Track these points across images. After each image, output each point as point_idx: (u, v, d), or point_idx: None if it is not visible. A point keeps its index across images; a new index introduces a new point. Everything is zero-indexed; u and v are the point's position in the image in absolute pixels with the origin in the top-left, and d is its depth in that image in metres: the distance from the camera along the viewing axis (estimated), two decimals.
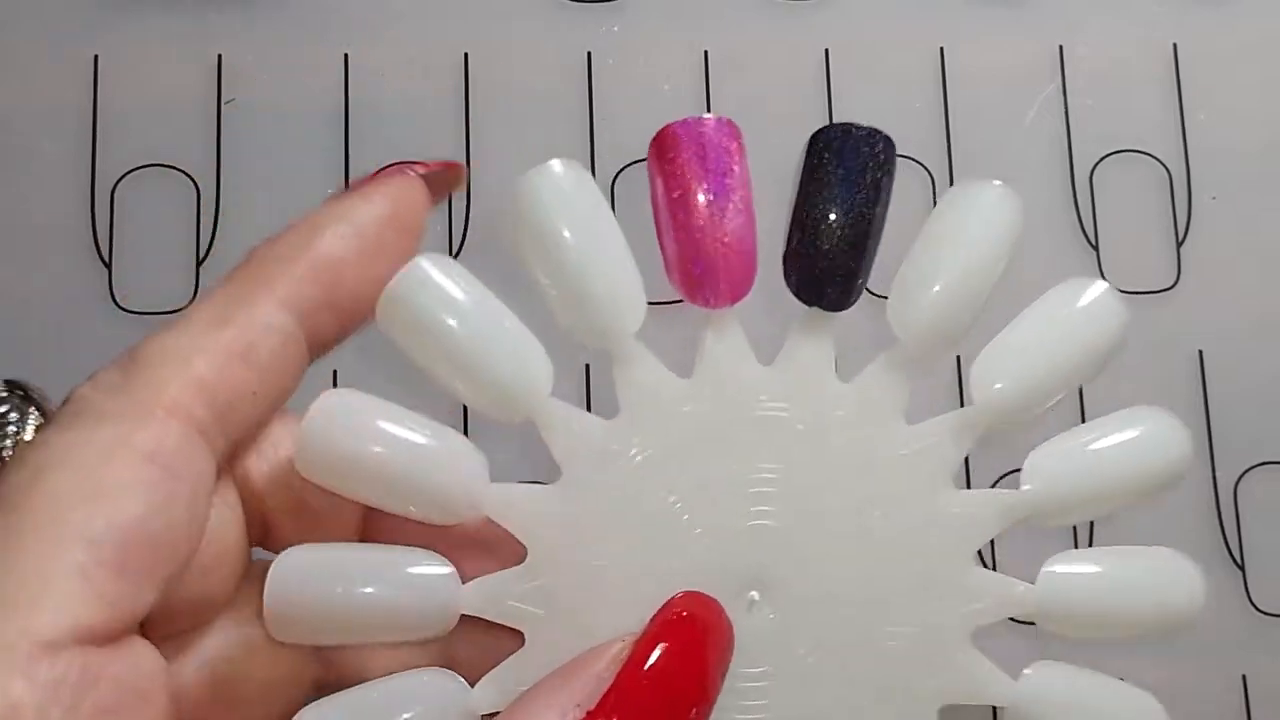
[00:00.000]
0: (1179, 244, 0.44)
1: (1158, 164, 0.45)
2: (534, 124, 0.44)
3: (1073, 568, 0.29)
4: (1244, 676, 0.42)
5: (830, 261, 0.29)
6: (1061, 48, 0.45)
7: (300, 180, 0.44)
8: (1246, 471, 0.43)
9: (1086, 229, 0.44)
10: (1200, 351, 0.44)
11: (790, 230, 0.29)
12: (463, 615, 0.28)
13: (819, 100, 0.45)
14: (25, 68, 0.44)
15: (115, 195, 0.43)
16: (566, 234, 0.28)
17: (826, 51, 0.45)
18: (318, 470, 0.28)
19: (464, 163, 0.42)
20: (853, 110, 0.45)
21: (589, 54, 0.45)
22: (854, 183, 0.29)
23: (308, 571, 0.27)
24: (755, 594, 0.28)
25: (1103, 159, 0.45)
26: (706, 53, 0.45)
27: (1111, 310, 0.30)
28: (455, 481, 0.28)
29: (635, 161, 0.44)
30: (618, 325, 0.28)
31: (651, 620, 0.27)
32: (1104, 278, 0.44)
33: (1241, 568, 0.42)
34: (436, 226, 0.43)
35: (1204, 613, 0.29)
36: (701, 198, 0.29)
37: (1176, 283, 0.44)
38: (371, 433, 0.28)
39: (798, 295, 0.29)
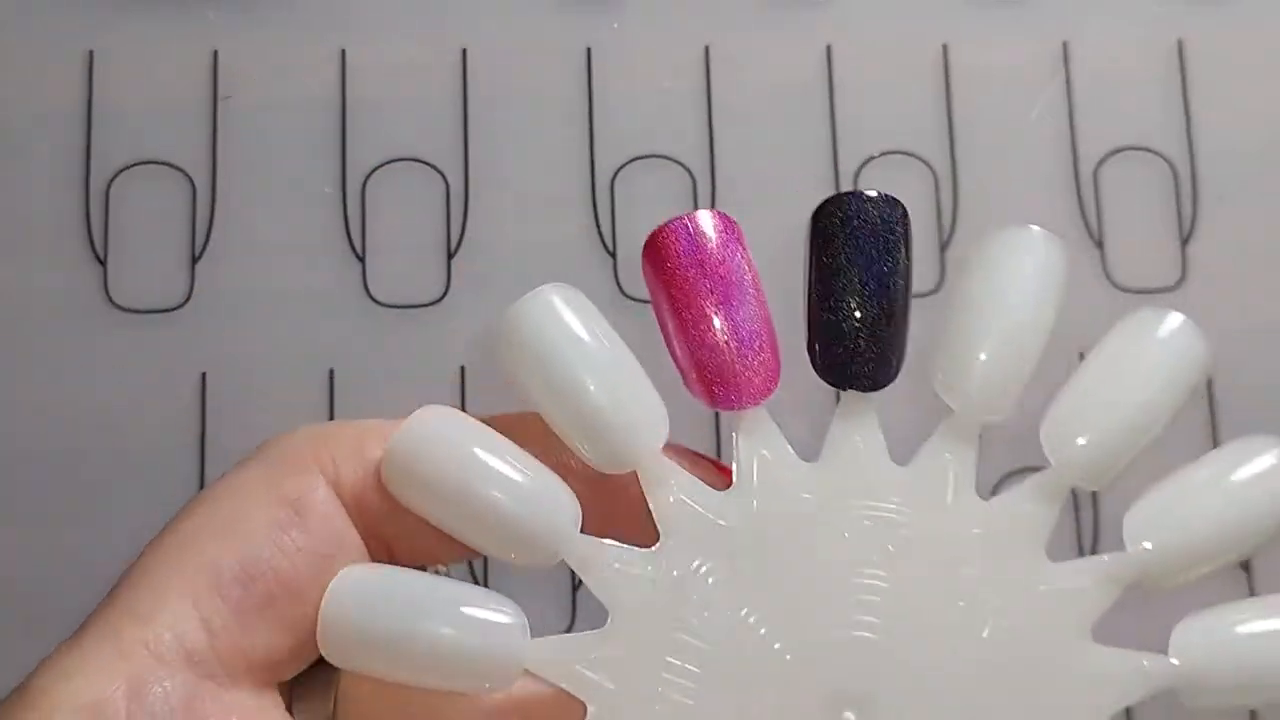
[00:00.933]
0: (1184, 243, 0.44)
1: (1163, 162, 0.44)
2: (533, 121, 0.44)
3: (1212, 631, 0.26)
4: None
5: (855, 344, 0.27)
6: (1065, 45, 0.45)
7: (297, 178, 0.43)
8: None
9: (1091, 227, 0.44)
10: None
11: (808, 315, 0.28)
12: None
13: (821, 98, 0.44)
14: (20, 64, 0.44)
15: (110, 192, 0.43)
16: (570, 365, 0.26)
17: (828, 49, 0.45)
18: (342, 652, 0.26)
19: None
20: (855, 108, 0.44)
21: (589, 51, 0.45)
22: (868, 254, 0.27)
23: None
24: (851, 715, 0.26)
25: (1107, 157, 0.44)
26: (707, 49, 0.45)
27: (1192, 343, 0.27)
28: (494, 645, 0.25)
29: (635, 159, 0.44)
30: (641, 447, 0.26)
31: None
32: (1108, 276, 0.44)
33: (1246, 569, 0.42)
34: (434, 228, 0.43)
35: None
36: (706, 303, 0.27)
37: (1181, 281, 0.44)
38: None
39: (829, 382, 0.27)
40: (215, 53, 0.44)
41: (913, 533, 0.26)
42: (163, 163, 0.43)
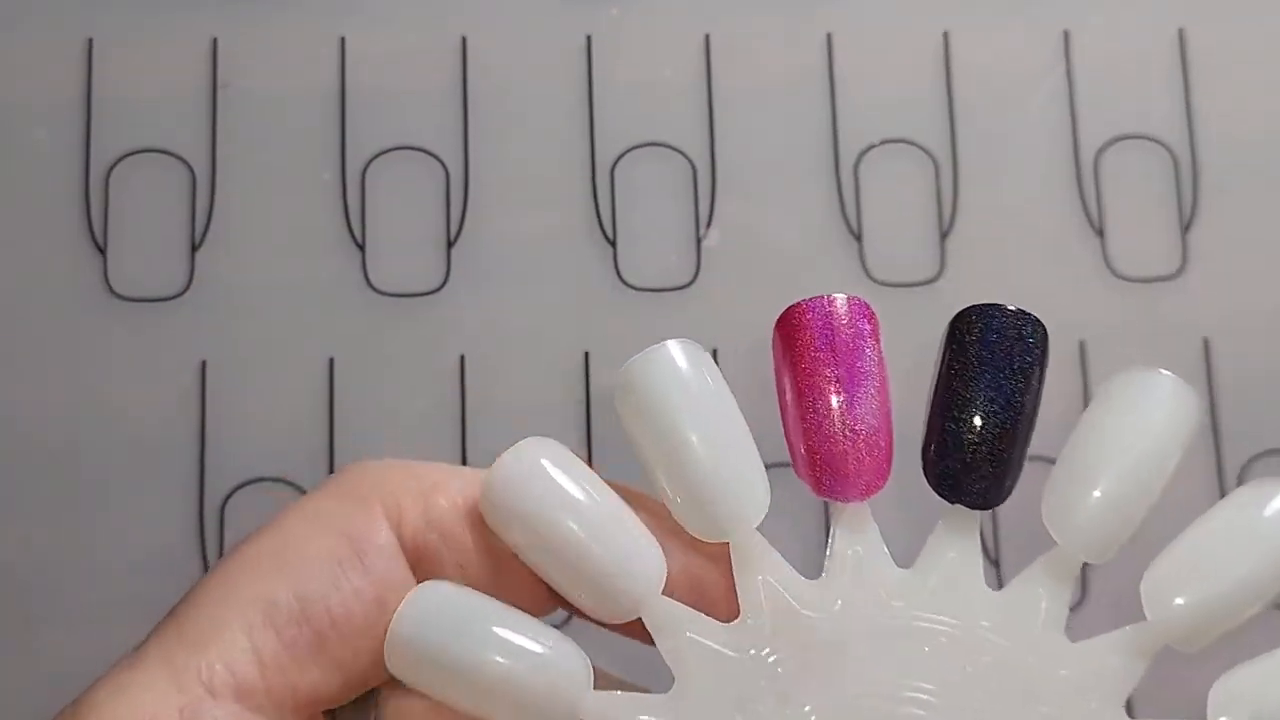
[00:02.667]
0: (1185, 230, 0.44)
1: (1163, 150, 0.44)
2: (533, 109, 0.44)
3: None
4: None
5: (974, 457, 0.26)
6: (1066, 33, 0.45)
7: (296, 166, 0.43)
8: (1252, 459, 0.43)
9: (1092, 215, 0.44)
10: (1206, 339, 0.43)
11: (929, 420, 0.27)
12: None
13: (821, 86, 0.44)
14: (19, 52, 0.44)
15: (110, 181, 0.43)
16: (683, 426, 0.26)
17: (829, 37, 0.45)
18: (406, 669, 0.26)
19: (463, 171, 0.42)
20: (855, 96, 0.44)
21: (589, 39, 0.44)
22: (1000, 369, 0.27)
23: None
24: None
25: (1107, 145, 0.44)
26: (707, 37, 0.45)
27: None
28: (554, 687, 0.25)
29: (635, 147, 0.44)
30: (739, 517, 0.26)
31: None
32: (1108, 265, 0.44)
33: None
34: (434, 216, 0.43)
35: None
36: (830, 389, 0.27)
37: (1182, 269, 0.44)
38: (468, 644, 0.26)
39: (938, 492, 0.27)
40: (215, 40, 0.44)
41: (994, 660, 0.26)
42: (162, 151, 0.43)
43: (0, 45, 0.44)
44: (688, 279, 0.43)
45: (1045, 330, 0.27)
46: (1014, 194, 0.44)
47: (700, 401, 0.26)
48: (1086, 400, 0.41)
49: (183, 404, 0.42)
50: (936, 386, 0.27)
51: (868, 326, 0.27)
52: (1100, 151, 0.44)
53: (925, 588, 0.27)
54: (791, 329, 0.27)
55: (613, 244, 0.43)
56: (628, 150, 0.44)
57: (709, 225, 0.43)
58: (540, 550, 0.26)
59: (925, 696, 0.26)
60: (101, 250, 0.43)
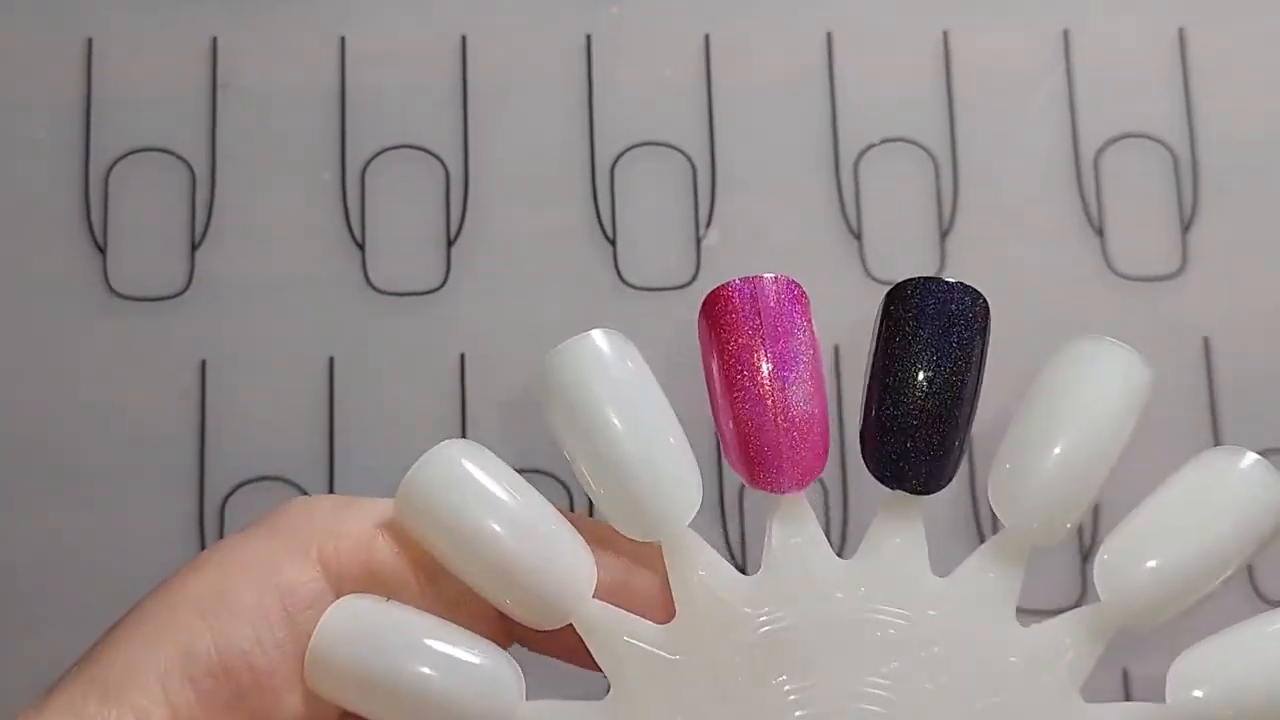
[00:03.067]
0: (1185, 230, 0.44)
1: (1163, 149, 0.44)
2: (533, 108, 0.44)
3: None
4: None
5: (914, 442, 0.25)
6: (1066, 32, 0.45)
7: (296, 165, 0.43)
8: None
9: (1091, 215, 0.44)
10: (1206, 338, 0.43)
11: (866, 403, 0.26)
12: None
13: (821, 85, 0.44)
14: (19, 51, 0.44)
15: (110, 180, 0.43)
16: (608, 419, 0.25)
17: (828, 36, 0.45)
18: (327, 684, 0.25)
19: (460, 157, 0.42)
20: (855, 95, 0.44)
21: (588, 38, 0.44)
22: (938, 345, 0.25)
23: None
24: None
25: (1108, 145, 0.44)
26: (707, 36, 0.45)
27: (1268, 485, 0.25)
28: (484, 699, 0.24)
29: (635, 146, 0.44)
30: (670, 516, 0.25)
31: None
32: (1108, 264, 0.44)
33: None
34: (434, 215, 0.43)
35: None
36: (760, 375, 0.25)
37: (1182, 269, 0.44)
38: (392, 651, 0.25)
39: (878, 478, 0.26)
40: (214, 40, 0.44)
41: (944, 649, 0.25)
42: (162, 150, 0.43)
43: (0, 45, 0.44)
44: (688, 278, 0.43)
45: (986, 303, 0.26)
46: (1014, 193, 0.44)
47: (626, 394, 0.25)
48: None
49: (182, 403, 0.42)
50: (873, 367, 0.26)
51: (798, 307, 0.26)
52: (1100, 151, 0.44)
53: (870, 578, 0.25)
54: (718, 312, 0.26)
55: (613, 243, 0.43)
56: (628, 149, 0.43)
57: (709, 225, 0.43)
58: (463, 555, 0.25)
59: (877, 691, 0.25)
60: (101, 249, 0.43)
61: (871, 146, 0.44)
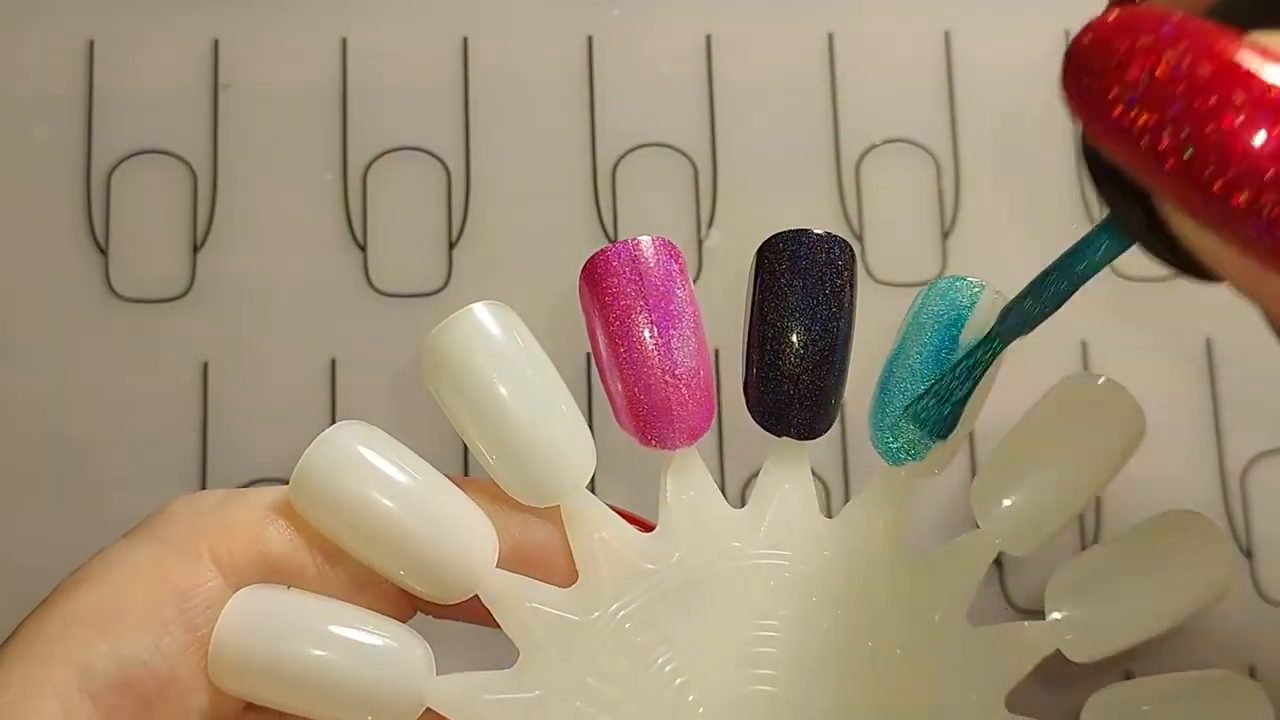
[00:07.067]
0: None
1: None
2: (534, 108, 0.44)
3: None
4: (1252, 666, 0.41)
5: (793, 386, 0.26)
6: (1067, 33, 0.45)
7: (298, 166, 0.43)
8: (1254, 460, 0.43)
9: (1093, 215, 0.44)
10: (1208, 339, 0.43)
11: (746, 354, 0.27)
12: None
13: (823, 86, 0.44)
14: (20, 52, 0.44)
15: (112, 181, 0.43)
16: (495, 389, 0.25)
17: (830, 37, 0.45)
18: (232, 679, 0.25)
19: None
20: (856, 96, 0.44)
21: (590, 39, 0.44)
22: (812, 295, 0.26)
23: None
24: None
25: None
26: (709, 37, 0.45)
27: (1123, 407, 0.27)
28: (392, 679, 0.25)
29: (636, 147, 0.44)
30: (564, 480, 0.26)
31: None
32: (1111, 265, 0.43)
33: (1249, 556, 0.42)
34: (435, 217, 0.43)
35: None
36: (644, 334, 0.26)
37: None
38: (300, 637, 0.25)
39: (762, 425, 0.27)
40: (216, 41, 0.44)
41: (836, 588, 0.26)
42: (164, 151, 0.43)
43: (1, 45, 0.44)
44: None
45: (853, 251, 0.27)
46: (1016, 193, 0.44)
47: (511, 364, 0.26)
48: None
49: (184, 404, 0.42)
50: (751, 319, 0.27)
51: (675, 266, 0.27)
52: None
53: (762, 525, 0.26)
54: (598, 276, 0.26)
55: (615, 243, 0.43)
56: (629, 150, 0.43)
57: (710, 225, 0.43)
58: (361, 537, 0.25)
59: (774, 634, 0.25)
60: (103, 251, 0.43)
61: (873, 147, 0.44)
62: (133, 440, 0.42)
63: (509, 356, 0.26)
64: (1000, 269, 0.43)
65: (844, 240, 0.27)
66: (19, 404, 0.42)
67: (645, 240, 0.27)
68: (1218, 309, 0.43)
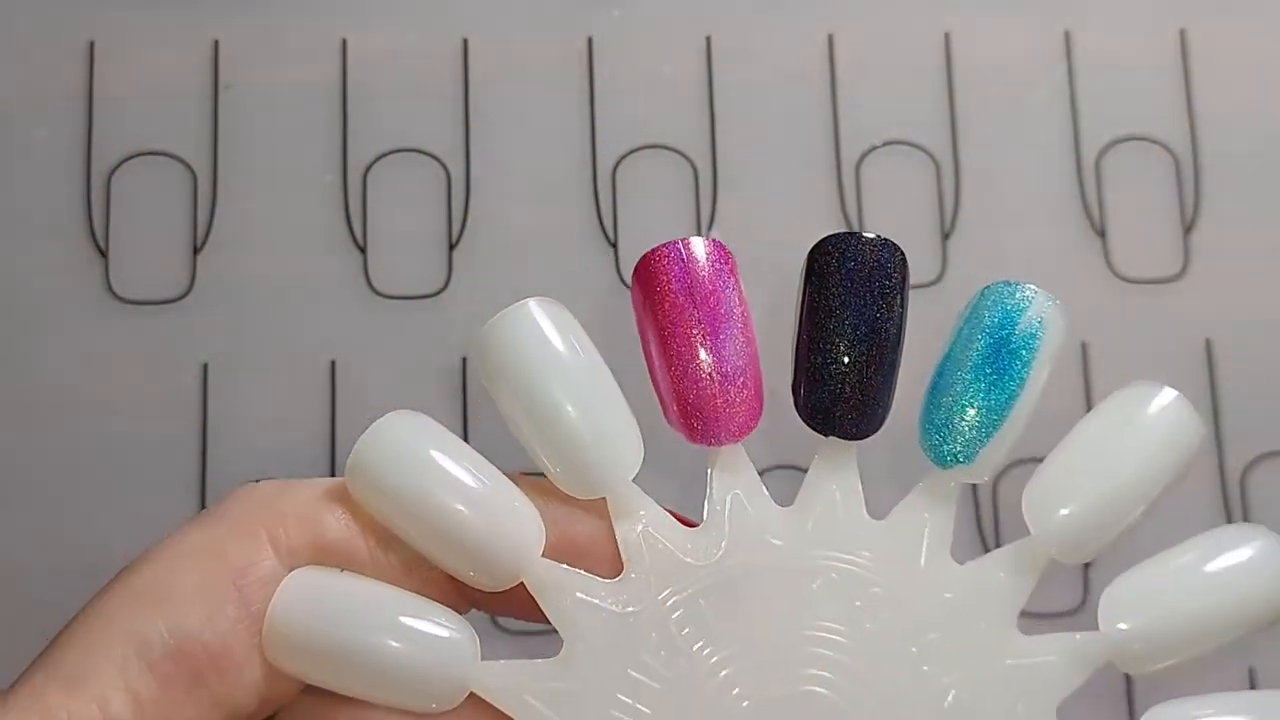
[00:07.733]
0: (1186, 231, 0.44)
1: (1165, 151, 0.44)
2: (534, 110, 0.44)
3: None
4: (1251, 669, 0.41)
5: (842, 388, 0.26)
6: (1068, 34, 0.45)
7: (298, 168, 0.43)
8: (1255, 461, 0.43)
9: (1093, 217, 0.44)
10: (1208, 340, 0.43)
11: (796, 356, 0.27)
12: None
13: (823, 87, 0.44)
14: (20, 54, 0.44)
15: (111, 183, 0.43)
16: (547, 385, 0.26)
17: (830, 38, 0.45)
18: (285, 656, 0.25)
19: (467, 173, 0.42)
20: (856, 97, 0.44)
21: (590, 40, 0.44)
22: (861, 296, 0.26)
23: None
24: None
25: (1109, 146, 0.44)
26: (709, 38, 0.45)
27: (1185, 421, 0.27)
28: (439, 663, 0.25)
29: (636, 149, 0.44)
30: (611, 471, 0.26)
31: None
32: (1110, 266, 0.44)
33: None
34: (435, 218, 0.43)
35: None
36: (693, 333, 0.26)
37: (1184, 270, 0.44)
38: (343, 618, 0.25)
39: (811, 426, 0.27)
40: (216, 42, 0.44)
41: (882, 590, 0.26)
42: (164, 153, 0.43)
43: (0, 45, 0.44)
44: None
45: (904, 255, 0.27)
46: (1015, 195, 0.44)
47: (563, 357, 0.26)
48: (1089, 401, 0.42)
49: (184, 406, 0.42)
50: (800, 321, 0.27)
51: (726, 267, 0.27)
52: (1102, 152, 0.44)
53: (808, 524, 0.26)
54: (649, 277, 0.27)
55: (614, 245, 0.43)
56: (629, 152, 0.43)
57: (710, 226, 0.43)
58: (413, 523, 0.26)
59: (821, 634, 0.26)
60: (103, 253, 0.43)
61: (873, 148, 0.44)
62: (133, 441, 0.42)
63: (559, 350, 0.26)
64: (1000, 269, 0.43)
65: (895, 244, 0.27)
66: (19, 404, 0.42)
67: (696, 241, 0.27)
68: (1218, 309, 0.44)
